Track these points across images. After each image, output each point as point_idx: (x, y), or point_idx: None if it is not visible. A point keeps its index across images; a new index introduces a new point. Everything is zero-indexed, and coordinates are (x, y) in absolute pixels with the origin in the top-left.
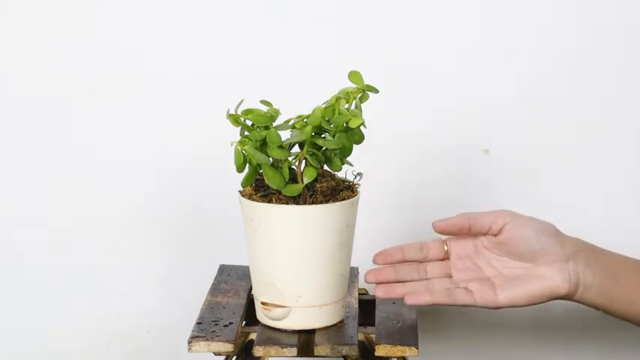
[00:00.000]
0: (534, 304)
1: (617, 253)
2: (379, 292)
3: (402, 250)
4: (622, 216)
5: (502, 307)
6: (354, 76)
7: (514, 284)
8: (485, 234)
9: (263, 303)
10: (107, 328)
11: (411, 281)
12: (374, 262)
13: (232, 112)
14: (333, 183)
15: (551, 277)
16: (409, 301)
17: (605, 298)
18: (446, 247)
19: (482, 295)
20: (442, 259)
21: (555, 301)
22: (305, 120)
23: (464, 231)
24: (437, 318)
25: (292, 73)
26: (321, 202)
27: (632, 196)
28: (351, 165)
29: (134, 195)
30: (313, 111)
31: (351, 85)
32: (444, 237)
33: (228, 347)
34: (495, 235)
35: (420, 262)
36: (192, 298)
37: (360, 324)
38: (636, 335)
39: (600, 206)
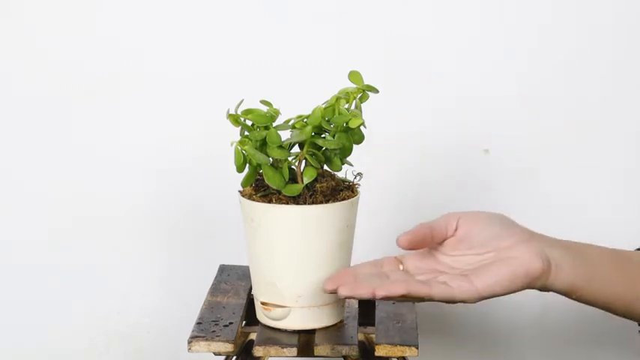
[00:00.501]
0: (513, 290)
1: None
2: (343, 290)
3: (354, 270)
4: (622, 216)
5: (482, 298)
6: (354, 76)
7: (486, 271)
8: (445, 238)
9: (263, 303)
10: (107, 328)
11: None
12: (324, 288)
13: (232, 112)
14: (333, 183)
15: (520, 256)
16: (380, 292)
17: (579, 277)
18: (401, 267)
19: (460, 286)
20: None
21: (553, 298)
22: (305, 120)
23: (427, 239)
24: (437, 318)
25: (292, 73)
26: (321, 202)
27: (632, 196)
28: (351, 165)
29: (134, 195)
30: (313, 111)
31: (351, 85)
32: (398, 255)
33: (228, 347)
34: (453, 235)
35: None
36: (192, 298)
37: (360, 324)
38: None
39: (600, 206)
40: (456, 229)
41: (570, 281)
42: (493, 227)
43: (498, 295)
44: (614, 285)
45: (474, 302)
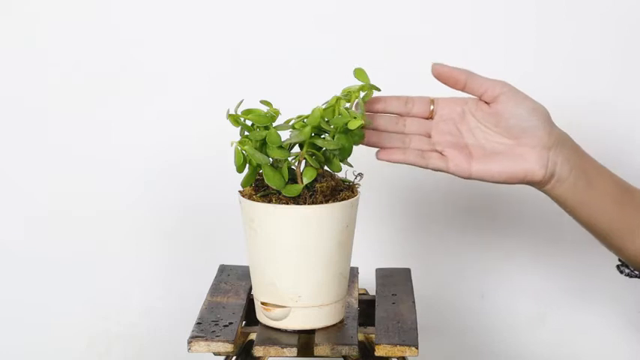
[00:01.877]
0: (506, 182)
1: (596, 161)
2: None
3: (384, 100)
4: None
5: (473, 179)
6: (359, 73)
7: (491, 158)
8: (479, 97)
9: (263, 303)
10: (107, 328)
11: (387, 132)
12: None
13: (232, 112)
14: (333, 183)
15: (529, 160)
16: (381, 156)
17: (575, 197)
18: (432, 107)
19: (457, 163)
20: (425, 118)
21: (555, 304)
22: (304, 120)
23: (459, 85)
24: (437, 317)
25: (292, 73)
26: (321, 202)
27: None
28: (350, 165)
29: (134, 195)
30: (312, 112)
31: (353, 83)
32: (432, 96)
33: (228, 347)
34: (488, 104)
35: (401, 116)
36: (192, 298)
37: (360, 324)
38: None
39: None
40: (494, 100)
41: (565, 197)
42: (526, 121)
43: (488, 181)
44: (609, 215)
45: (464, 178)
